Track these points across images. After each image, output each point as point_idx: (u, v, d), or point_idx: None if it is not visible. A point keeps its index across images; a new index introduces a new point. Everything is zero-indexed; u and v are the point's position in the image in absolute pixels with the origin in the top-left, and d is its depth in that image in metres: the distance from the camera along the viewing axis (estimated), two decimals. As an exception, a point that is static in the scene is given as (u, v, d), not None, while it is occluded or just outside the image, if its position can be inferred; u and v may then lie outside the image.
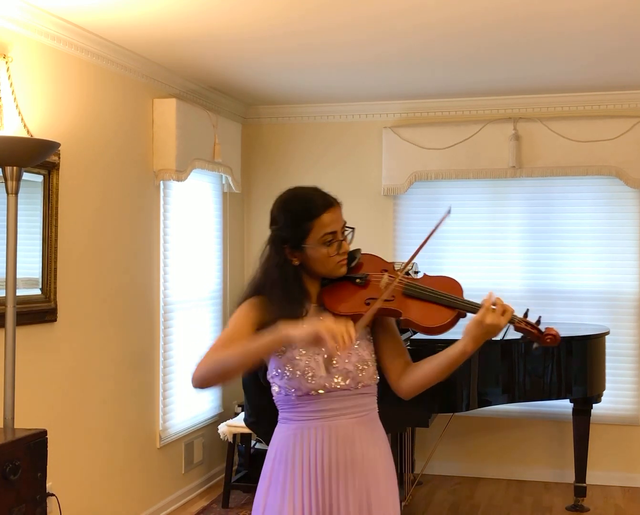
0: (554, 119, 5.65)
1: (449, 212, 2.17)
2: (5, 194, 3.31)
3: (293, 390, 2.12)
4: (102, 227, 4.38)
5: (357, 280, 2.18)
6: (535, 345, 2.15)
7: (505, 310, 2.05)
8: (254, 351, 2.01)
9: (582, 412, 5.04)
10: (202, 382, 2.05)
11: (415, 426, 4.88)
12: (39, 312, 3.81)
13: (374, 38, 4.25)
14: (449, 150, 5.75)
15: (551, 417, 5.70)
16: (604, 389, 4.99)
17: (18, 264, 3.36)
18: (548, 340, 2.11)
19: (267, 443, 5.58)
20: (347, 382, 2.13)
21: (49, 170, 3.85)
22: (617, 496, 5.45)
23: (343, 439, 2.13)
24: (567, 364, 4.64)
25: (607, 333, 5.01)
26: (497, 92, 5.62)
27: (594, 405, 5.04)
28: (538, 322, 2.13)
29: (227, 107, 5.82)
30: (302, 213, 2.14)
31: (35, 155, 3.33)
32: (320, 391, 2.11)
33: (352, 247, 2.25)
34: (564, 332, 4.90)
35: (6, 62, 3.55)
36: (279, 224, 2.19)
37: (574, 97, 5.64)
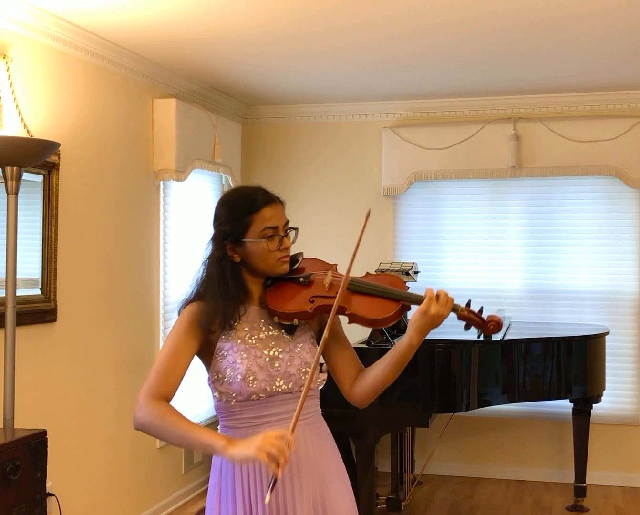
0: (554, 119, 5.65)
1: (368, 215, 2.15)
2: (5, 194, 3.31)
3: (234, 394, 2.08)
4: (102, 227, 4.38)
5: (301, 280, 2.17)
6: (478, 333, 2.15)
7: (447, 300, 2.04)
8: (190, 445, 2.04)
9: (582, 412, 5.04)
10: (141, 430, 2.09)
11: (415, 426, 4.89)
12: (39, 312, 3.81)
13: (374, 39, 4.25)
14: (449, 150, 5.75)
15: (551, 417, 5.70)
16: (603, 389, 4.99)
17: (18, 264, 3.36)
18: (491, 327, 2.10)
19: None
20: (290, 385, 2.10)
21: (49, 170, 3.85)
22: (617, 496, 5.45)
23: None
24: (567, 364, 4.64)
25: (607, 333, 5.01)
26: (497, 92, 5.62)
27: (594, 405, 5.05)
28: (480, 311, 2.13)
29: (227, 107, 5.82)
30: (243, 207, 2.12)
31: (35, 155, 3.33)
32: (262, 395, 2.07)
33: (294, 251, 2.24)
34: (564, 332, 4.94)
35: (6, 62, 3.55)
36: (220, 219, 2.15)
37: (574, 97, 5.64)
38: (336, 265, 2.25)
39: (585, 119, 5.60)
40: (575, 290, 5.69)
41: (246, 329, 2.11)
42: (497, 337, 4.34)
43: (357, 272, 2.17)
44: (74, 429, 4.11)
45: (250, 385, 2.06)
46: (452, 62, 4.79)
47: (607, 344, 5.00)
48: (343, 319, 2.18)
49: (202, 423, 5.50)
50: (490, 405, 4.47)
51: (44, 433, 3.13)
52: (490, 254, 5.84)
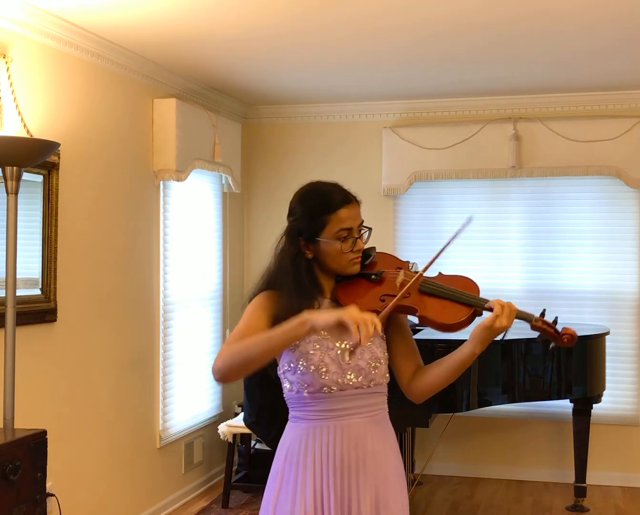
0: (554, 119, 5.65)
1: (469, 220, 2.17)
2: (5, 194, 3.31)
3: (306, 385, 2.10)
4: (102, 227, 4.38)
5: (373, 277, 2.18)
6: (552, 344, 2.17)
7: (511, 312, 2.07)
8: (277, 338, 1.97)
9: (582, 412, 5.04)
10: (222, 374, 2.02)
11: (415, 426, 4.88)
12: (39, 312, 3.81)
13: (374, 37, 4.25)
14: (449, 150, 5.75)
15: (551, 417, 5.70)
16: (604, 389, 4.99)
17: (18, 264, 3.36)
18: (565, 340, 2.13)
19: (267, 443, 5.58)
20: (360, 379, 2.12)
21: (49, 170, 3.85)
22: (617, 496, 5.45)
23: (355, 438, 2.12)
24: (567, 364, 4.64)
25: (607, 333, 5.01)
26: (497, 92, 5.63)
27: (594, 405, 5.04)
28: (555, 322, 2.14)
29: (227, 107, 5.82)
30: (319, 206, 2.14)
31: (35, 155, 3.33)
32: (333, 388, 2.09)
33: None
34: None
35: (6, 62, 3.55)
36: (296, 216, 2.17)
37: (574, 97, 5.64)
38: (408, 262, 2.26)
39: (585, 119, 5.60)
40: (575, 290, 5.69)
41: (329, 312, 2.12)
42: (496, 337, 4.33)
43: (429, 272, 2.16)
44: (74, 429, 4.11)
45: (323, 376, 2.09)
46: (452, 62, 4.79)
47: (607, 344, 5.00)
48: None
49: (202, 423, 5.51)
50: (490, 405, 4.47)
51: (44, 433, 3.13)
52: (490, 253, 5.84)
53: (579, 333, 5.19)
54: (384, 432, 2.21)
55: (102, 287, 4.37)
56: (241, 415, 5.27)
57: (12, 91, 3.56)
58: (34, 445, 3.07)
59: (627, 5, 3.72)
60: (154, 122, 4.88)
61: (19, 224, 3.36)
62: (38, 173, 3.79)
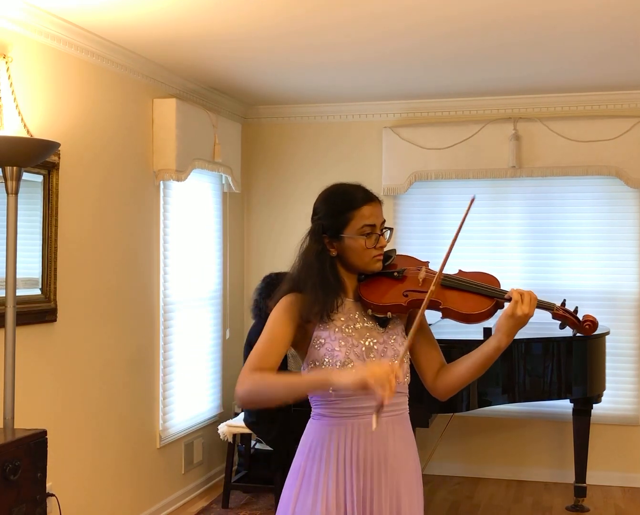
0: (554, 119, 5.65)
1: (472, 200, 2.21)
2: (5, 194, 3.31)
3: None
4: (102, 227, 4.38)
5: (395, 274, 2.23)
6: (574, 332, 2.22)
7: (531, 299, 2.10)
8: (297, 389, 2.05)
9: (582, 412, 5.04)
10: (245, 404, 2.16)
11: (416, 426, 4.86)
12: (39, 312, 3.81)
13: (374, 37, 4.25)
14: (449, 150, 5.75)
15: (551, 417, 5.70)
16: (604, 389, 4.99)
17: (18, 264, 3.36)
18: (587, 327, 2.19)
19: (267, 443, 5.59)
20: (394, 395, 2.13)
21: (49, 170, 3.85)
22: (617, 496, 5.45)
23: (377, 436, 2.14)
24: (567, 364, 4.64)
25: (607, 333, 5.00)
26: (497, 92, 5.62)
27: (594, 405, 5.04)
28: (576, 310, 2.20)
29: (227, 107, 5.82)
30: (343, 203, 2.19)
31: (35, 155, 3.33)
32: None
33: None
34: (564, 332, 4.93)
35: (6, 62, 3.55)
36: (320, 214, 2.22)
37: (574, 97, 5.64)
38: (428, 262, 2.30)
39: (585, 119, 5.60)
40: (575, 290, 5.68)
41: (342, 319, 2.17)
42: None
43: (450, 270, 2.21)
44: (74, 429, 4.11)
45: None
46: (452, 62, 4.79)
47: (607, 344, 5.00)
48: (437, 315, 2.22)
49: (202, 423, 5.51)
50: (490, 405, 4.47)
51: (44, 433, 3.13)
52: (490, 253, 5.83)
53: (579, 333, 5.17)
54: (405, 433, 2.23)
55: (102, 287, 4.37)
56: (241, 415, 5.27)
57: (12, 91, 3.56)
58: (34, 445, 3.07)
59: (627, 7, 3.73)
60: (154, 122, 4.88)
61: (19, 224, 3.36)
62: (38, 173, 3.79)
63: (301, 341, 2.19)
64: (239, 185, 5.84)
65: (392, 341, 2.19)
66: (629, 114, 5.55)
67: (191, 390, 5.37)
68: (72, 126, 4.08)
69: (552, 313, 2.17)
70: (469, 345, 4.08)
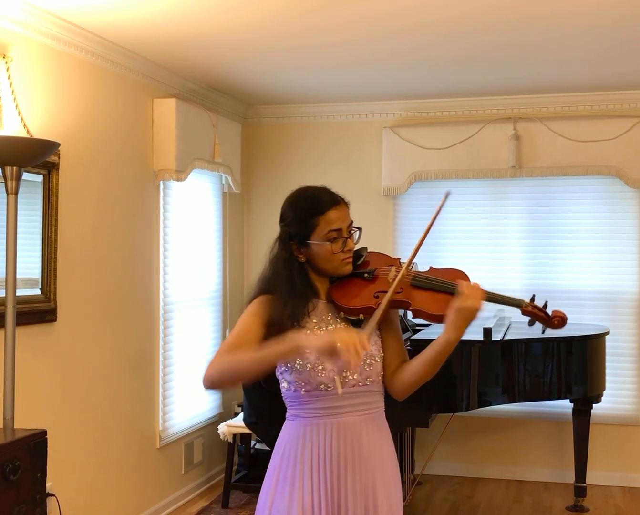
0: (554, 119, 5.65)
1: (447, 195, 2.19)
2: (5, 194, 3.31)
3: (303, 384, 2.13)
4: (102, 227, 4.38)
5: (365, 275, 2.22)
6: (543, 328, 2.19)
7: (478, 292, 2.08)
8: (266, 358, 2.01)
9: (582, 412, 5.04)
10: (212, 383, 2.07)
11: (415, 426, 4.88)
12: (39, 312, 3.81)
13: (374, 37, 4.25)
14: (449, 150, 5.75)
15: (551, 417, 5.70)
16: (604, 389, 4.99)
17: (18, 264, 3.36)
18: (556, 322, 2.16)
19: (267, 443, 5.55)
20: (355, 376, 2.14)
21: (49, 170, 3.85)
22: (617, 496, 5.45)
23: (351, 436, 2.14)
24: (567, 364, 4.64)
25: (607, 333, 5.00)
26: (497, 92, 5.62)
27: (594, 405, 5.04)
28: (545, 305, 2.17)
29: (227, 107, 5.82)
30: (308, 209, 2.18)
31: (35, 155, 3.33)
32: (330, 386, 2.12)
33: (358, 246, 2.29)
34: (564, 332, 4.92)
35: (6, 62, 3.55)
36: (287, 220, 2.22)
37: (574, 97, 5.64)
38: (399, 259, 2.29)
39: (585, 119, 5.60)
40: (575, 290, 5.69)
41: (315, 321, 2.16)
42: (497, 337, 4.34)
43: (421, 267, 2.22)
44: (73, 429, 4.11)
45: (320, 374, 2.12)
46: (452, 62, 4.79)
47: (607, 344, 5.00)
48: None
49: (202, 423, 5.51)
50: (490, 405, 4.47)
51: (44, 433, 3.13)
52: (490, 254, 5.84)
53: (579, 333, 5.19)
54: (380, 431, 2.23)
55: (102, 287, 4.37)
56: (241, 415, 5.26)
57: (12, 91, 3.56)
58: (34, 445, 3.07)
59: (627, 8, 3.72)
60: (154, 122, 4.88)
61: (19, 224, 3.36)
62: (38, 173, 3.79)
63: None
64: (239, 185, 5.84)
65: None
66: (629, 114, 5.55)
67: (191, 390, 5.36)
68: (72, 126, 4.08)
69: (521, 310, 2.16)
70: (468, 345, 4.09)
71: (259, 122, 6.20)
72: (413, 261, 2.26)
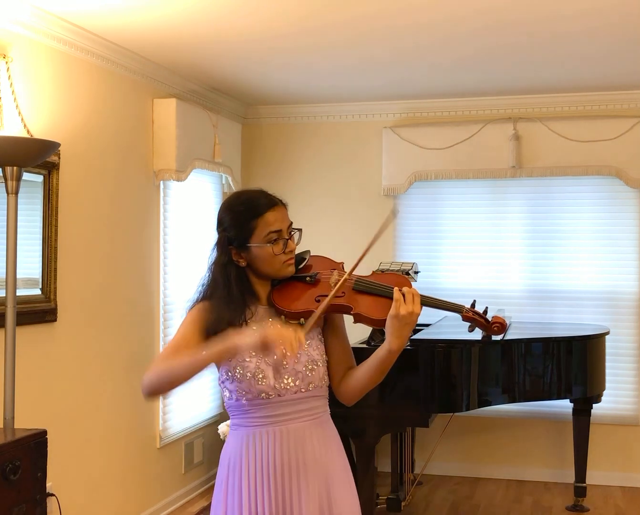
0: (554, 119, 5.65)
1: (394, 213, 2.18)
2: (5, 194, 3.31)
3: (244, 392, 2.10)
4: (102, 227, 4.38)
5: (307, 279, 2.18)
6: (483, 333, 2.17)
7: (413, 296, 2.04)
8: (202, 360, 1.98)
9: (582, 412, 5.04)
10: (150, 391, 2.03)
11: (415, 426, 4.88)
12: (39, 312, 3.81)
13: (374, 38, 4.25)
14: (449, 150, 5.75)
15: (551, 417, 5.70)
16: (604, 389, 4.99)
17: (18, 264, 3.36)
18: (495, 329, 2.12)
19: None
20: (297, 383, 2.11)
21: (49, 170, 3.85)
22: (617, 496, 5.45)
23: (294, 442, 2.11)
24: (567, 364, 4.64)
25: (607, 333, 5.00)
26: (497, 92, 5.62)
27: (594, 405, 5.04)
28: (485, 311, 2.14)
29: (227, 107, 5.82)
30: (246, 212, 2.14)
31: (35, 155, 3.33)
32: (271, 394, 2.08)
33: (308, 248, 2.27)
34: (564, 332, 4.93)
35: (6, 62, 3.55)
36: (225, 225, 2.18)
37: (574, 97, 5.64)
38: (342, 263, 2.26)
39: (585, 119, 5.60)
40: (575, 290, 5.69)
41: (254, 327, 2.10)
42: (497, 336, 4.34)
43: (362, 272, 2.17)
44: (74, 429, 4.11)
45: (260, 383, 2.08)
46: (452, 62, 4.79)
47: (607, 344, 5.00)
48: (348, 319, 2.18)
49: (202, 423, 5.51)
50: (490, 405, 4.47)
51: (44, 433, 3.13)
52: (490, 253, 5.84)
53: (579, 333, 5.19)
54: (326, 434, 2.19)
55: (102, 287, 4.37)
56: (241, 415, 5.26)
57: (12, 91, 3.56)
58: (34, 445, 3.07)
59: (627, 8, 3.73)
60: (154, 122, 4.88)
61: (19, 224, 3.36)
62: (38, 173, 3.79)
63: None
64: (239, 185, 5.84)
65: (306, 347, 2.12)
66: (629, 114, 5.55)
67: (191, 390, 5.36)
68: (72, 126, 4.08)
69: (461, 315, 2.12)
70: (468, 345, 4.09)
71: (259, 122, 6.20)
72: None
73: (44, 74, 3.87)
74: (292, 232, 2.18)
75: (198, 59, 4.69)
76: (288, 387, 2.10)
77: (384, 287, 2.12)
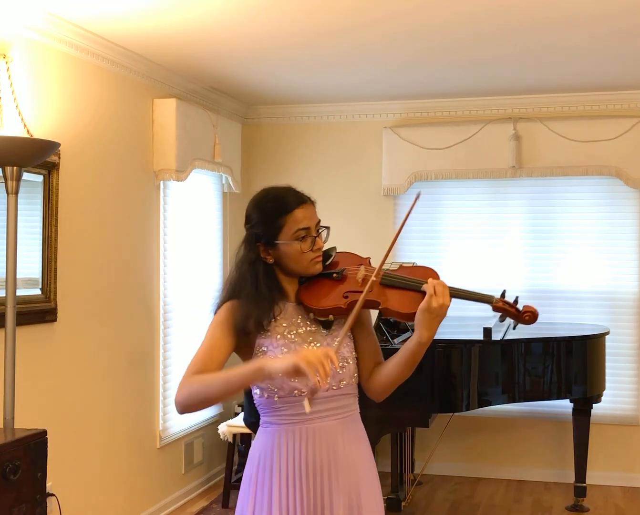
0: (554, 119, 5.65)
1: (418, 196, 2.17)
2: (5, 194, 3.31)
3: (276, 390, 2.09)
4: (102, 227, 4.38)
5: (334, 275, 2.18)
6: (514, 324, 2.16)
7: (443, 289, 2.06)
8: (234, 383, 1.99)
9: (582, 412, 5.04)
10: (184, 407, 2.05)
11: (415, 426, 4.89)
12: (39, 312, 3.81)
13: (374, 39, 4.25)
14: (449, 150, 5.75)
15: (551, 417, 5.70)
16: (604, 389, 4.99)
17: (18, 264, 3.36)
18: (526, 318, 2.11)
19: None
20: (329, 380, 2.07)
21: (49, 170, 3.85)
22: (617, 496, 5.45)
23: (326, 441, 2.11)
24: (567, 364, 4.64)
25: (607, 333, 5.01)
26: (497, 92, 5.62)
27: (594, 405, 5.04)
28: (516, 301, 2.13)
29: (227, 107, 5.82)
30: (274, 209, 2.14)
31: (35, 155, 3.33)
32: (303, 391, 2.07)
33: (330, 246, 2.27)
34: (564, 332, 4.93)
35: (6, 63, 3.55)
36: (253, 222, 2.18)
37: (574, 97, 5.64)
38: (369, 258, 2.26)
39: (585, 119, 5.60)
40: (575, 290, 5.69)
41: (284, 324, 2.12)
42: (497, 336, 4.34)
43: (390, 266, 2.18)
44: (74, 429, 4.11)
45: (292, 380, 2.06)
46: (452, 62, 4.79)
47: (607, 344, 5.00)
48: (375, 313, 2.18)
49: (202, 423, 5.52)
50: (490, 405, 4.47)
51: (44, 433, 3.13)
52: (490, 254, 5.84)
53: (579, 333, 5.19)
54: (356, 434, 2.19)
55: (102, 287, 4.37)
56: (241, 415, 5.26)
57: (13, 91, 3.56)
58: (34, 445, 3.07)
59: (627, 8, 3.73)
60: (154, 122, 4.88)
61: (19, 224, 3.36)
62: (38, 173, 3.79)
63: (244, 348, 2.14)
64: (239, 185, 5.84)
65: (337, 343, 2.11)
66: (629, 114, 5.55)
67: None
68: (72, 126, 4.08)
69: (492, 306, 2.11)
70: (468, 345, 4.09)
71: (259, 122, 6.20)
72: (368, 257, 2.25)
73: (44, 74, 3.87)
74: (320, 230, 2.18)
75: (198, 59, 4.69)
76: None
77: (412, 280, 2.12)
